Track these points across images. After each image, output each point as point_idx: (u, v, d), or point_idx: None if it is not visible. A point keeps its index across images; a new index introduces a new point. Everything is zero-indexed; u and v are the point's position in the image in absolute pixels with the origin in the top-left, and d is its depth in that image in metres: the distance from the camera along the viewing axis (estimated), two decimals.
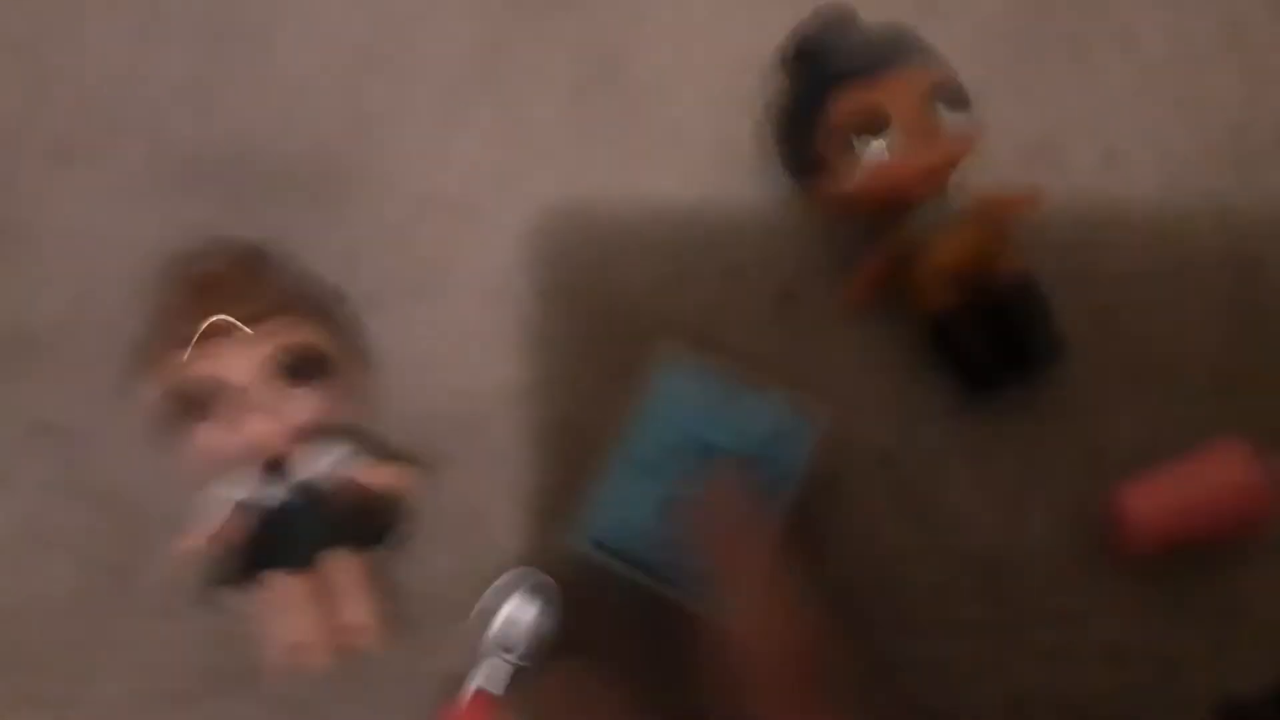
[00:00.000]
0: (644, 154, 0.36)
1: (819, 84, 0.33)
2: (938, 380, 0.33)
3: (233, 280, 0.32)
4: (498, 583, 0.31)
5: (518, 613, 0.31)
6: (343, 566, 0.30)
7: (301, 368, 0.30)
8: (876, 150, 0.31)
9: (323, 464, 0.31)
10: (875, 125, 0.31)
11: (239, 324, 0.30)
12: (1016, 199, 0.33)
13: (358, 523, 0.31)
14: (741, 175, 0.36)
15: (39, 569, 0.33)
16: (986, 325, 0.32)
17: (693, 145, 0.37)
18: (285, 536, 0.30)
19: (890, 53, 0.33)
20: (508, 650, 0.31)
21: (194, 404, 0.29)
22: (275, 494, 0.30)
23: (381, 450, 0.32)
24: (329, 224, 0.35)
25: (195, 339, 0.30)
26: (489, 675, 0.30)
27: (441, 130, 0.37)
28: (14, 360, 0.35)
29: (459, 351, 0.34)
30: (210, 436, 0.29)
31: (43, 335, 0.35)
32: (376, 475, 0.32)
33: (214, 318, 0.30)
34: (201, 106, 0.37)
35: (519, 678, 0.31)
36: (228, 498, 0.31)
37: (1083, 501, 0.32)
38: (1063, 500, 0.33)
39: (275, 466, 0.30)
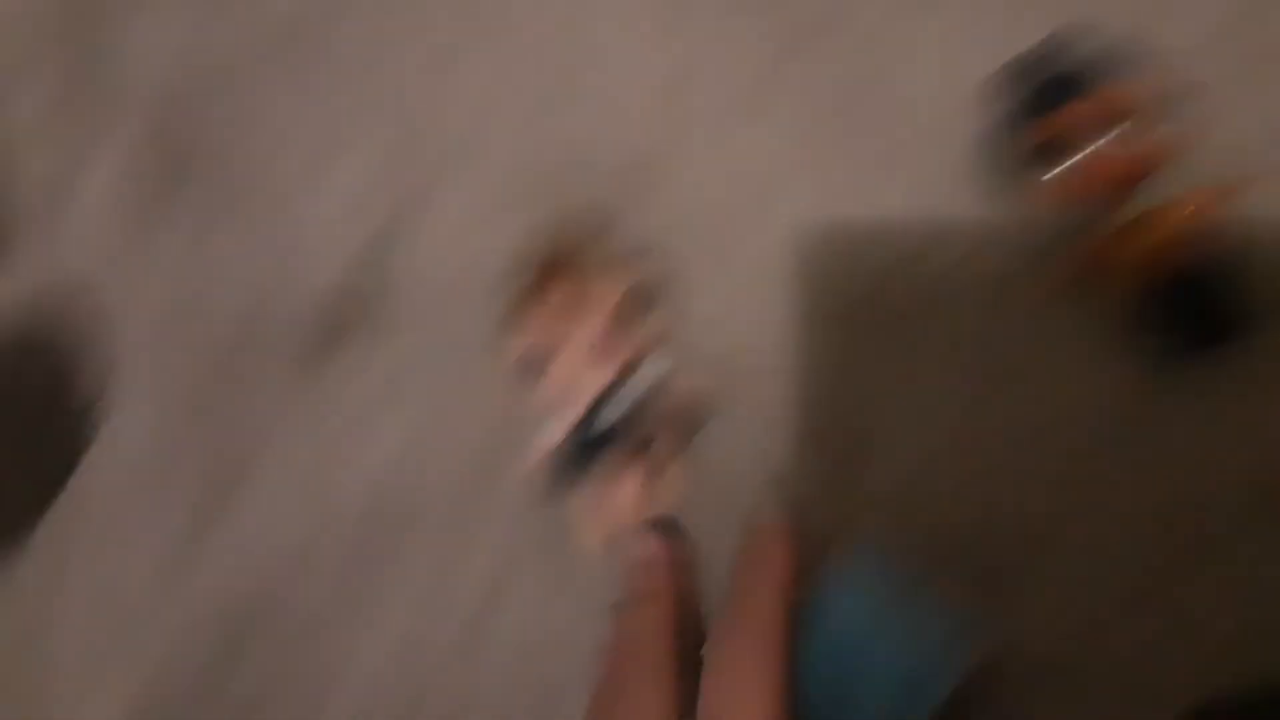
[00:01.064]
0: (887, 162, 0.44)
1: (1049, 94, 0.39)
2: (1140, 350, 0.39)
3: (574, 250, 0.43)
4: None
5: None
6: (657, 458, 0.41)
7: (631, 312, 0.41)
8: (1100, 148, 0.38)
9: (649, 379, 0.42)
10: (1100, 127, 0.38)
11: (583, 285, 0.41)
12: (1221, 190, 0.37)
13: (671, 424, 0.41)
14: (971, 180, 0.43)
15: (425, 479, 0.45)
16: (1187, 301, 0.37)
17: (928, 154, 0.44)
18: (613, 439, 0.41)
19: (1113, 68, 0.39)
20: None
21: (552, 345, 0.41)
22: (606, 415, 0.41)
23: (684, 376, 0.42)
24: (637, 213, 0.45)
25: (551, 296, 0.41)
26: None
27: (726, 139, 0.46)
28: (401, 327, 0.48)
29: (735, 315, 0.44)
30: (561, 370, 0.41)
31: (430, 311, 0.48)
32: (687, 389, 0.42)
33: (563, 280, 0.41)
34: (542, 129, 0.49)
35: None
36: (554, 433, 0.41)
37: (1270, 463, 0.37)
38: (1249, 461, 0.38)
39: (606, 393, 0.41)
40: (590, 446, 0.41)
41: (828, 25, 0.45)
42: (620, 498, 0.40)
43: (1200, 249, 0.36)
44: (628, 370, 0.41)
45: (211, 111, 0.52)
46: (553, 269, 0.42)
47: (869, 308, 0.42)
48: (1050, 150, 0.38)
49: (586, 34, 0.48)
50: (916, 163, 0.43)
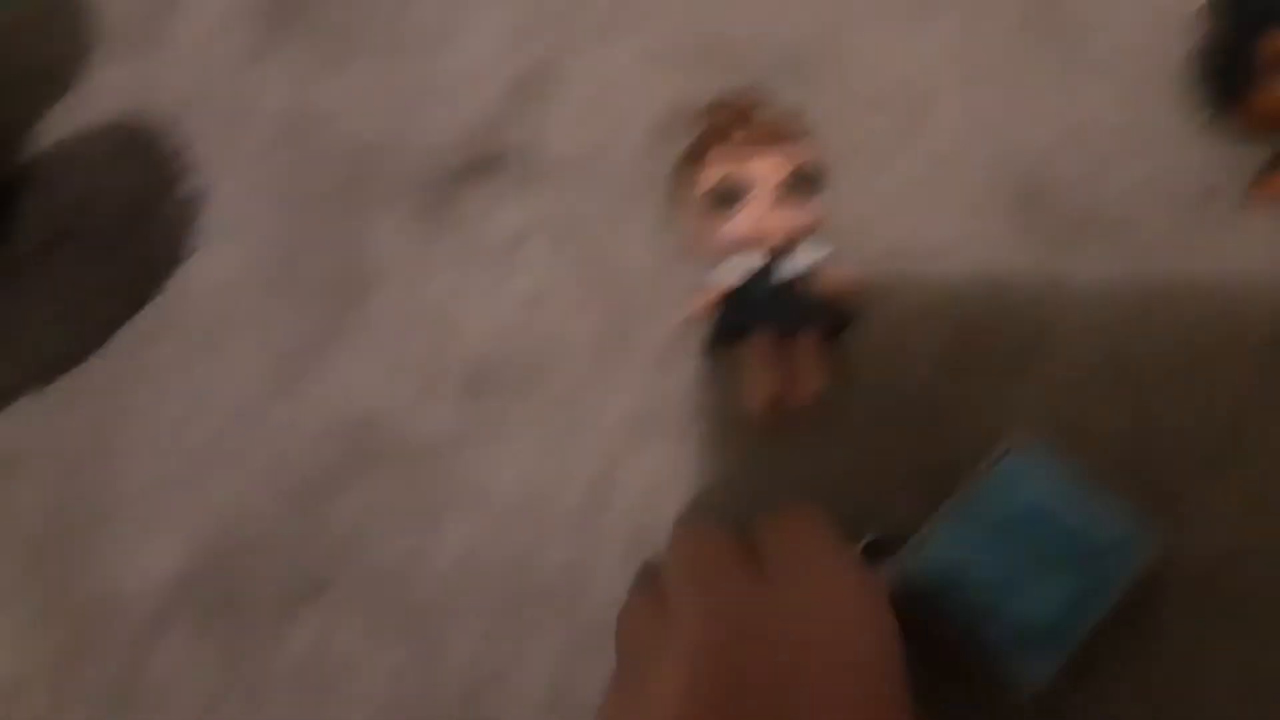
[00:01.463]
0: (1073, 83, 0.44)
1: (1252, 18, 0.39)
2: None
3: (745, 111, 0.42)
4: None
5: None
6: (806, 343, 0.40)
7: (802, 184, 0.40)
8: None
9: (805, 261, 0.41)
10: None
11: (761, 142, 0.40)
12: None
13: (824, 311, 0.40)
14: (1168, 97, 0.43)
15: (560, 326, 0.43)
16: None
17: (1125, 70, 0.44)
18: (770, 312, 0.40)
19: None
20: None
21: (725, 198, 0.40)
22: (766, 280, 0.40)
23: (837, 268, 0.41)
24: (797, 102, 0.44)
25: (726, 149, 0.40)
26: None
27: (902, 36, 0.46)
28: (542, 177, 0.46)
29: (899, 214, 0.43)
30: (733, 226, 0.40)
31: (572, 163, 0.46)
32: (840, 278, 0.41)
33: (744, 132, 0.40)
34: (700, 12, 0.48)
35: None
36: (730, 276, 0.40)
37: None
38: None
39: (771, 258, 0.40)
40: (767, 297, 0.39)
41: None
42: (761, 377, 0.38)
43: None
44: (783, 249, 0.40)
45: None
46: (724, 125, 0.41)
47: (1043, 214, 0.41)
48: (1256, 71, 0.39)
49: None
50: (1112, 78, 0.43)
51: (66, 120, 0.49)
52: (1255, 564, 0.35)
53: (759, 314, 0.40)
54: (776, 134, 0.40)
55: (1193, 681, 0.34)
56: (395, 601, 0.39)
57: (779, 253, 0.40)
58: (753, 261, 0.40)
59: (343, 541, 0.40)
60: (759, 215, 0.39)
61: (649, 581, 0.29)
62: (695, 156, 0.41)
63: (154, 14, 0.52)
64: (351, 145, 0.47)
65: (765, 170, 0.39)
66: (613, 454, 0.40)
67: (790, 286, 0.40)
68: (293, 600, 0.39)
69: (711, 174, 0.40)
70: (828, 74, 0.46)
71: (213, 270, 0.46)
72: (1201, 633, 0.35)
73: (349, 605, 0.39)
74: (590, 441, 0.40)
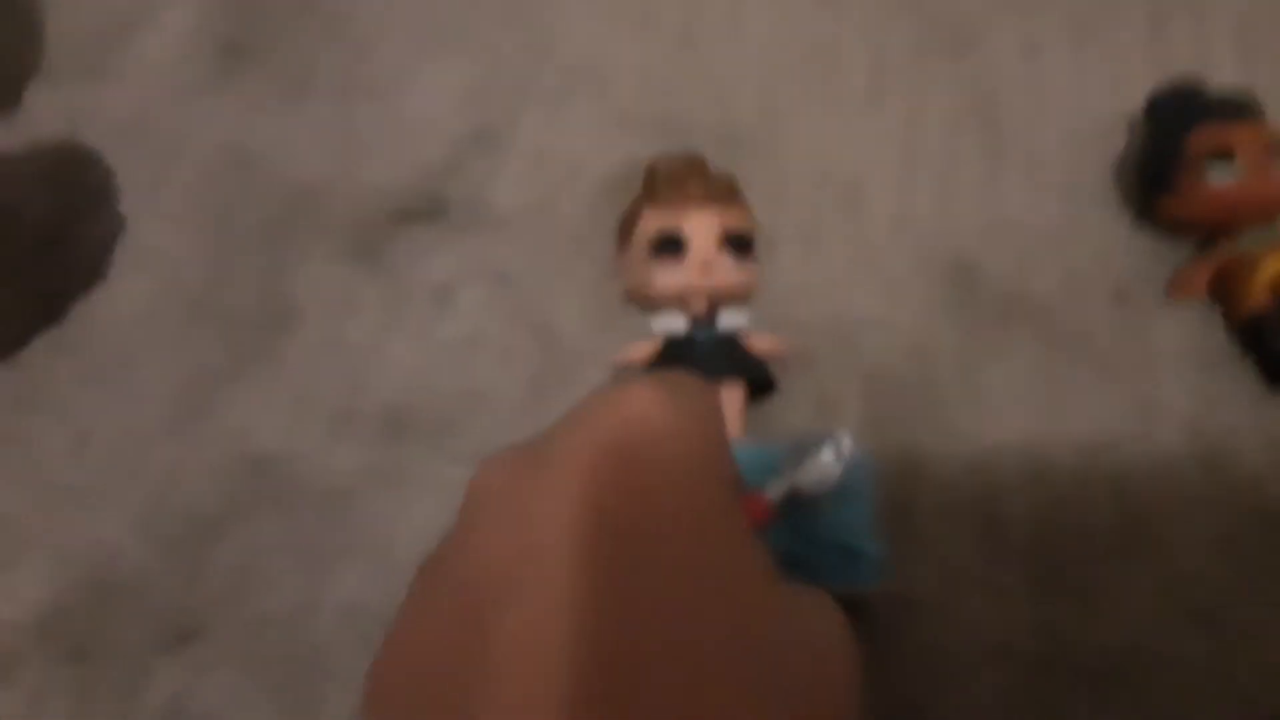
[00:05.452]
0: (1005, 179, 0.45)
1: (1177, 124, 0.41)
2: (1245, 371, 0.40)
3: (689, 170, 0.42)
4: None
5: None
6: (732, 396, 0.39)
7: (738, 244, 0.40)
8: (1223, 176, 0.39)
9: (734, 322, 0.40)
10: (1223, 159, 0.39)
11: (700, 200, 0.40)
12: None
13: (753, 368, 0.40)
14: (1097, 194, 0.45)
15: (486, 377, 0.41)
16: None
17: (1056, 167, 0.45)
18: (702, 363, 0.39)
19: (1239, 108, 0.41)
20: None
21: (663, 250, 0.39)
22: (701, 333, 0.40)
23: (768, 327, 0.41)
24: (739, 178, 0.43)
25: (668, 203, 0.40)
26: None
27: (836, 129, 0.47)
28: (482, 227, 0.45)
29: (828, 288, 0.43)
30: (670, 278, 0.39)
31: (514, 217, 0.46)
32: (765, 341, 0.41)
33: (685, 191, 0.40)
34: (652, 84, 0.49)
35: None
36: (662, 329, 0.40)
37: None
38: None
39: (707, 312, 0.40)
40: (701, 349, 0.39)
41: (978, 37, 0.47)
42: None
43: None
44: (725, 300, 0.40)
45: None
46: (665, 180, 0.41)
47: (970, 299, 0.42)
48: (1178, 175, 0.40)
49: None
50: (1043, 174, 0.44)
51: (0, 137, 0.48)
52: (1163, 656, 0.35)
53: (691, 365, 0.39)
54: (715, 193, 0.40)
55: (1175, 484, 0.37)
56: (272, 655, 0.35)
57: (714, 307, 0.40)
58: (689, 314, 0.40)
59: (222, 588, 0.37)
60: (696, 269, 0.39)
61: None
62: (636, 209, 0.41)
63: (106, 40, 0.52)
64: (289, 184, 0.47)
65: (702, 226, 0.39)
66: None
67: (723, 342, 0.40)
68: (157, 649, 0.35)
69: (650, 227, 0.40)
70: (770, 152, 0.46)
71: (124, 300, 0.44)
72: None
73: (220, 657, 0.35)
74: None
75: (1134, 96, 0.45)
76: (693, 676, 0.13)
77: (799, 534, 0.33)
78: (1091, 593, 0.36)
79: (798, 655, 0.15)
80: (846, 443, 0.34)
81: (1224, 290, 0.40)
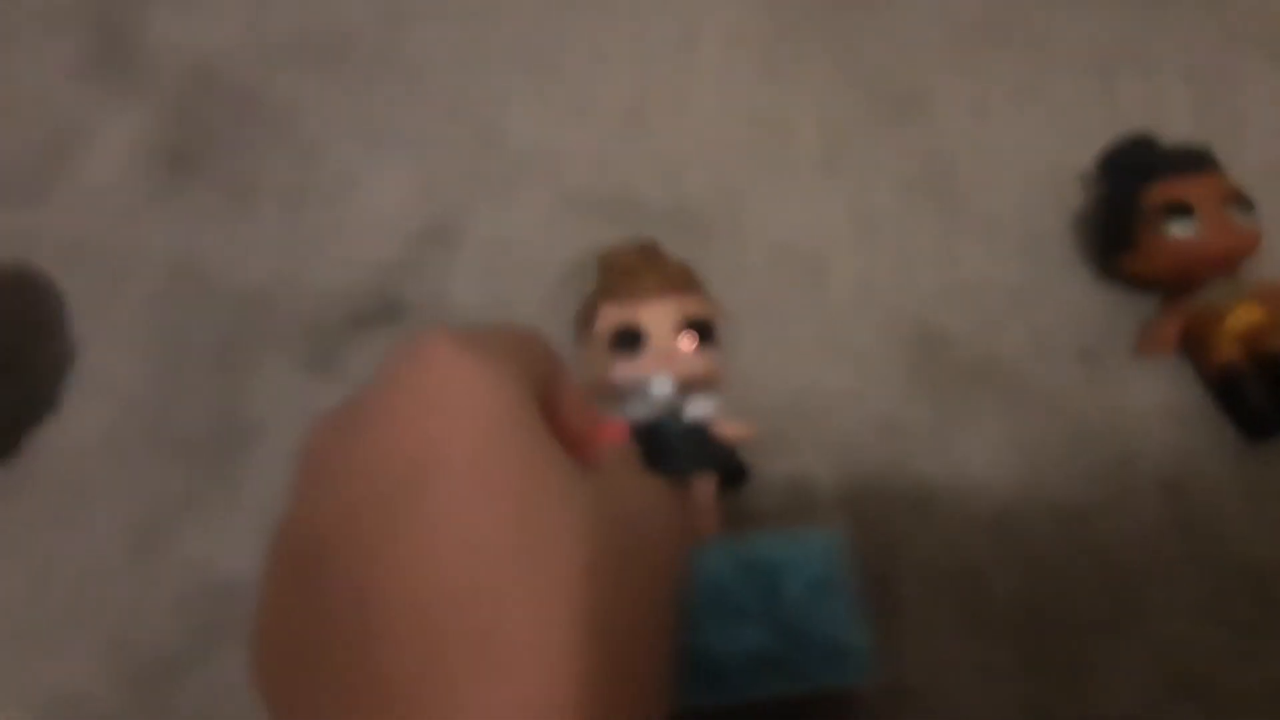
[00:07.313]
0: (964, 241, 0.45)
1: (1132, 180, 0.41)
2: (1221, 425, 0.40)
3: (643, 260, 0.41)
4: None
5: None
6: (703, 486, 0.38)
7: (699, 331, 0.39)
8: (1182, 230, 0.39)
9: (700, 411, 0.39)
10: (1181, 213, 0.39)
11: (656, 291, 0.39)
12: None
13: (720, 457, 0.39)
14: (1049, 260, 0.44)
15: None
16: (1265, 379, 0.38)
17: (1014, 228, 0.45)
18: (666, 452, 0.38)
19: (1193, 161, 0.41)
20: None
21: (623, 343, 0.39)
22: (667, 421, 0.39)
23: (735, 413, 0.40)
24: (696, 258, 0.42)
25: (623, 295, 0.39)
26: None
27: (791, 201, 0.47)
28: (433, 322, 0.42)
29: (794, 364, 0.43)
30: (631, 369, 0.38)
31: (471, 313, 0.45)
32: (734, 428, 0.40)
33: (640, 283, 0.39)
34: (603, 166, 0.49)
35: None
36: (629, 416, 0.39)
37: None
38: None
39: (670, 402, 0.39)
40: (670, 439, 0.38)
41: (926, 101, 0.47)
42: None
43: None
44: (690, 388, 0.39)
45: (252, 93, 0.51)
46: (620, 272, 0.40)
47: (937, 368, 0.41)
48: (1136, 231, 0.40)
49: (688, 54, 0.50)
50: (1001, 236, 0.44)
51: None
52: None
53: (662, 452, 0.37)
54: (672, 282, 0.40)
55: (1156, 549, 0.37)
56: None
57: (680, 397, 0.39)
58: (657, 401, 0.39)
59: None
60: (656, 360, 0.38)
61: None
62: (592, 304, 0.40)
63: (47, 159, 0.50)
64: (240, 295, 0.46)
65: (660, 316, 0.38)
66: None
67: (692, 431, 0.39)
68: None
69: (607, 322, 0.39)
70: (726, 228, 0.46)
71: (76, 430, 0.42)
72: None
73: None
74: None
75: (1087, 151, 0.45)
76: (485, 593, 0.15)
77: (780, 633, 0.32)
78: (1081, 667, 0.35)
79: (614, 541, 0.17)
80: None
81: (1193, 344, 0.40)
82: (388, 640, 0.15)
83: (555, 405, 0.21)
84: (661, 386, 0.39)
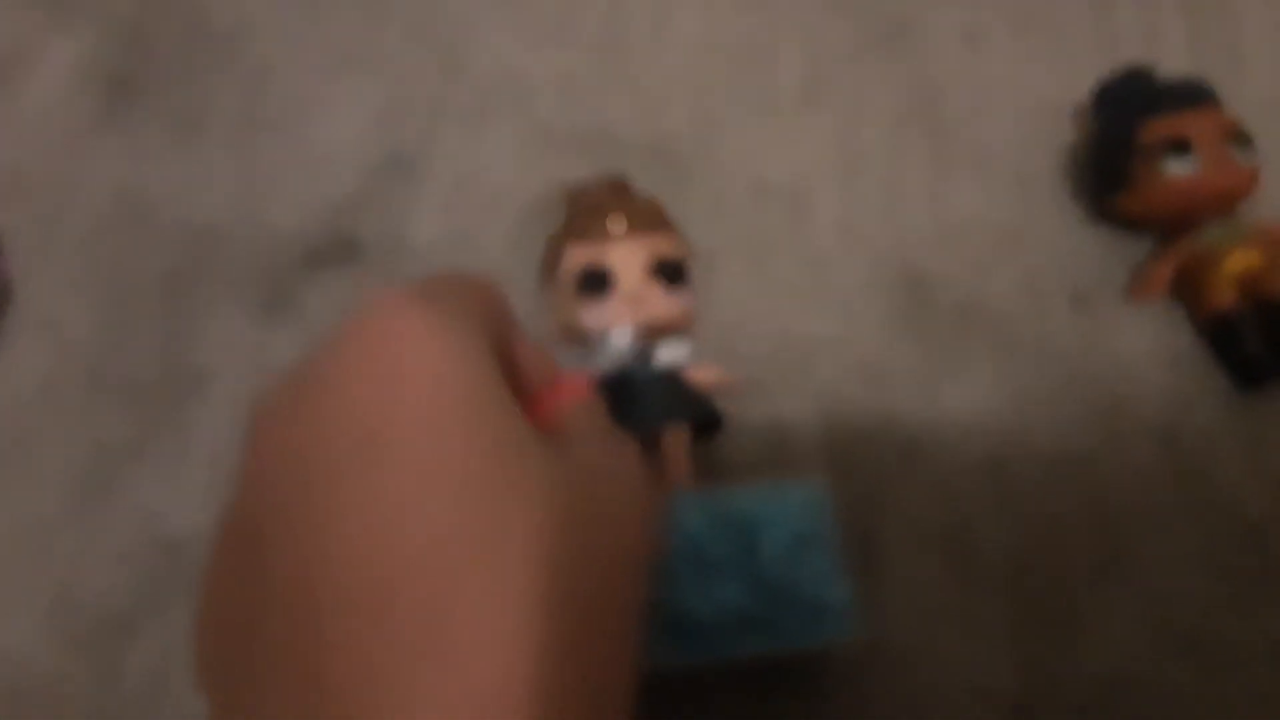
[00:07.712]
0: (953, 179, 0.43)
1: (1129, 115, 0.39)
2: (1215, 372, 0.38)
3: (613, 198, 0.39)
4: None
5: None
6: (675, 437, 0.36)
7: (669, 273, 0.37)
8: (1181, 168, 0.37)
9: (672, 356, 0.37)
10: (1179, 150, 0.37)
11: (625, 230, 0.37)
12: None
13: (693, 406, 0.37)
14: (1048, 192, 0.43)
15: None
16: (1262, 325, 0.37)
17: (1004, 165, 0.43)
18: (636, 403, 0.36)
19: (1192, 95, 0.39)
20: None
21: (590, 285, 0.36)
22: (636, 368, 0.37)
23: (710, 359, 0.38)
24: (674, 195, 0.40)
25: (590, 235, 0.37)
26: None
27: (773, 135, 0.44)
28: (400, 266, 0.42)
29: (774, 307, 0.41)
30: (599, 313, 0.36)
31: (432, 252, 0.42)
32: (708, 374, 0.38)
33: (608, 222, 0.37)
34: (574, 97, 0.46)
35: None
36: (597, 364, 0.37)
37: None
38: None
39: (643, 347, 0.37)
40: (641, 386, 0.36)
41: (916, 29, 0.45)
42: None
43: (1274, 280, 0.36)
44: (660, 333, 0.37)
45: (200, 14, 0.47)
46: (592, 207, 0.38)
47: (924, 312, 0.40)
48: (1133, 168, 0.38)
49: None
50: (992, 173, 0.42)
51: None
52: (1149, 685, 0.33)
53: (630, 407, 0.36)
54: (641, 221, 0.38)
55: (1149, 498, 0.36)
56: None
57: (650, 341, 0.37)
58: (625, 348, 0.37)
59: (139, 691, 0.34)
60: (625, 302, 0.36)
61: None
62: (558, 244, 0.38)
63: None
64: (188, 232, 0.43)
65: (628, 257, 0.36)
66: None
67: (664, 379, 0.37)
68: None
69: (573, 262, 0.37)
70: (704, 164, 0.44)
71: (13, 374, 0.40)
72: None
73: None
74: None
75: (1081, 84, 0.43)
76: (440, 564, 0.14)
77: (759, 591, 0.31)
78: (1072, 622, 0.34)
79: (582, 516, 0.16)
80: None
81: (1187, 288, 0.38)
82: (332, 628, 0.14)
83: (512, 361, 0.19)
84: (621, 337, 0.37)
